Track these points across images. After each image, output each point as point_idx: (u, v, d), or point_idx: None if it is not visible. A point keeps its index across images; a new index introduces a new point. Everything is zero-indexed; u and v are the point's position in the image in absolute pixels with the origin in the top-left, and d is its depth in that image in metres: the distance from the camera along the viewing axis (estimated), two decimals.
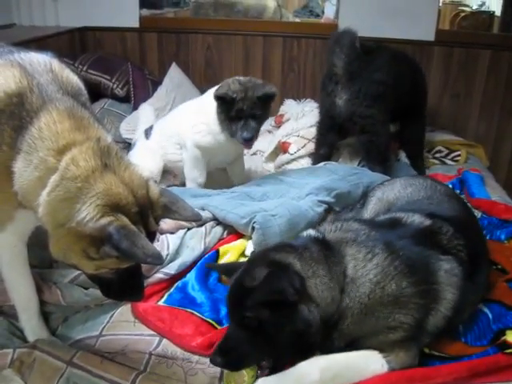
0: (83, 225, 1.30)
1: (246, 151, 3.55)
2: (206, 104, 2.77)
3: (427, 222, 1.75)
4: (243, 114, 2.62)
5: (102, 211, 1.31)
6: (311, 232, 1.73)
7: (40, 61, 1.58)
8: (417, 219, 1.76)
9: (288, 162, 3.32)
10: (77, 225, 1.31)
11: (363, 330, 1.55)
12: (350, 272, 1.56)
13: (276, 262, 1.53)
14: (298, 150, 3.32)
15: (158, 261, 1.33)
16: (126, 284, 1.47)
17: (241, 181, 3.03)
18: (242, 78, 2.70)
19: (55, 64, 1.61)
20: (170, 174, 3.10)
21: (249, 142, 2.70)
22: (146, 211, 1.41)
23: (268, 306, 1.45)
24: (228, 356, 1.49)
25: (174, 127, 2.95)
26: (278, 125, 3.69)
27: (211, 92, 2.75)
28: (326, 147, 3.20)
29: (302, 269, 1.51)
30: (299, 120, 3.55)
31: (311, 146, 3.31)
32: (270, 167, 3.44)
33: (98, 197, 1.32)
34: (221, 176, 3.15)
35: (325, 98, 3.06)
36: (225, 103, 2.63)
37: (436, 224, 1.75)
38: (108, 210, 1.32)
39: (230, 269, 1.72)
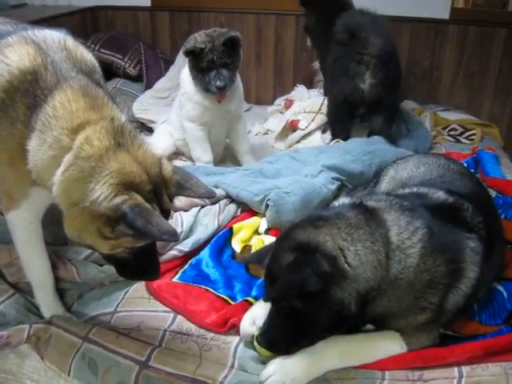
0: (97, 204, 1.31)
1: (256, 131, 3.61)
2: (182, 77, 2.91)
3: (451, 198, 1.73)
4: (214, 65, 2.69)
5: (116, 190, 1.31)
6: (345, 200, 1.68)
7: (54, 38, 1.57)
8: (441, 195, 1.74)
9: (299, 141, 3.32)
10: (91, 204, 1.32)
11: (399, 308, 1.53)
12: (395, 239, 1.50)
13: (303, 244, 1.44)
14: (309, 124, 3.32)
15: (174, 238, 1.33)
16: (141, 263, 1.48)
17: (247, 161, 3.04)
18: (206, 30, 2.75)
19: (69, 41, 1.60)
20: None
21: (222, 91, 2.75)
22: (160, 189, 1.41)
23: (297, 297, 1.41)
24: (271, 338, 1.49)
25: (173, 113, 3.09)
26: (287, 108, 3.69)
27: (185, 67, 2.86)
28: (345, 132, 3.18)
29: (333, 245, 1.42)
30: (305, 100, 3.57)
31: (321, 118, 3.31)
32: (280, 146, 3.45)
33: (112, 176, 1.32)
34: (233, 157, 3.17)
35: (345, 82, 2.96)
36: (195, 56, 2.70)
37: (458, 201, 1.73)
38: (122, 189, 1.32)
39: (260, 256, 1.65)
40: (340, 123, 3.17)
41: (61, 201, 1.39)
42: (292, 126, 3.37)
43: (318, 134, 3.31)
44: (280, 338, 1.49)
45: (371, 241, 1.46)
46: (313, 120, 3.32)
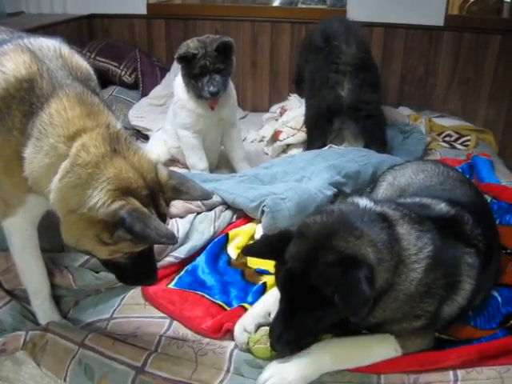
0: (95, 210, 1.32)
1: (252, 138, 3.65)
2: (175, 85, 2.93)
3: (452, 210, 1.72)
4: (207, 70, 2.71)
5: (113, 196, 1.32)
6: (367, 202, 1.60)
7: (50, 46, 1.58)
8: (444, 207, 1.73)
9: (280, 152, 3.38)
10: (89, 211, 1.32)
11: (394, 317, 1.53)
12: (402, 253, 1.50)
13: (349, 256, 1.39)
14: (288, 137, 3.35)
15: (172, 240, 1.34)
16: (139, 268, 1.49)
17: (242, 168, 3.04)
18: (199, 37, 2.77)
19: (65, 49, 1.61)
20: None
21: (215, 97, 2.76)
22: (156, 194, 1.43)
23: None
24: (289, 341, 1.47)
25: (168, 121, 3.10)
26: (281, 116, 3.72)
27: (178, 75, 2.89)
28: (321, 140, 3.20)
29: (373, 258, 1.41)
30: (296, 109, 3.59)
31: (301, 135, 3.34)
32: (271, 151, 3.48)
33: (109, 182, 1.33)
34: (229, 164, 3.18)
35: (327, 92, 3.03)
36: (187, 63, 2.73)
37: (459, 213, 1.72)
38: (119, 195, 1.33)
39: (269, 250, 1.56)
40: (318, 130, 3.21)
41: (58, 208, 1.40)
42: (276, 136, 3.42)
43: (297, 149, 3.35)
44: (296, 340, 1.49)
45: (389, 261, 1.46)
46: (293, 135, 3.36)
